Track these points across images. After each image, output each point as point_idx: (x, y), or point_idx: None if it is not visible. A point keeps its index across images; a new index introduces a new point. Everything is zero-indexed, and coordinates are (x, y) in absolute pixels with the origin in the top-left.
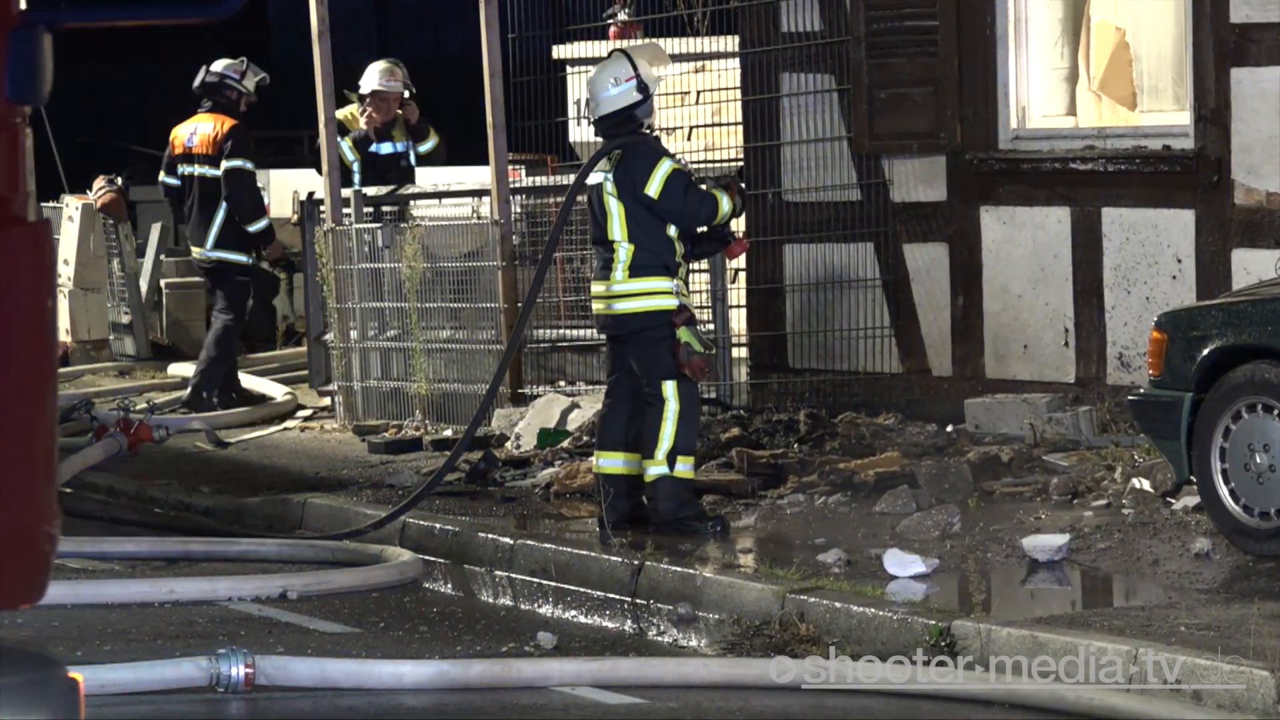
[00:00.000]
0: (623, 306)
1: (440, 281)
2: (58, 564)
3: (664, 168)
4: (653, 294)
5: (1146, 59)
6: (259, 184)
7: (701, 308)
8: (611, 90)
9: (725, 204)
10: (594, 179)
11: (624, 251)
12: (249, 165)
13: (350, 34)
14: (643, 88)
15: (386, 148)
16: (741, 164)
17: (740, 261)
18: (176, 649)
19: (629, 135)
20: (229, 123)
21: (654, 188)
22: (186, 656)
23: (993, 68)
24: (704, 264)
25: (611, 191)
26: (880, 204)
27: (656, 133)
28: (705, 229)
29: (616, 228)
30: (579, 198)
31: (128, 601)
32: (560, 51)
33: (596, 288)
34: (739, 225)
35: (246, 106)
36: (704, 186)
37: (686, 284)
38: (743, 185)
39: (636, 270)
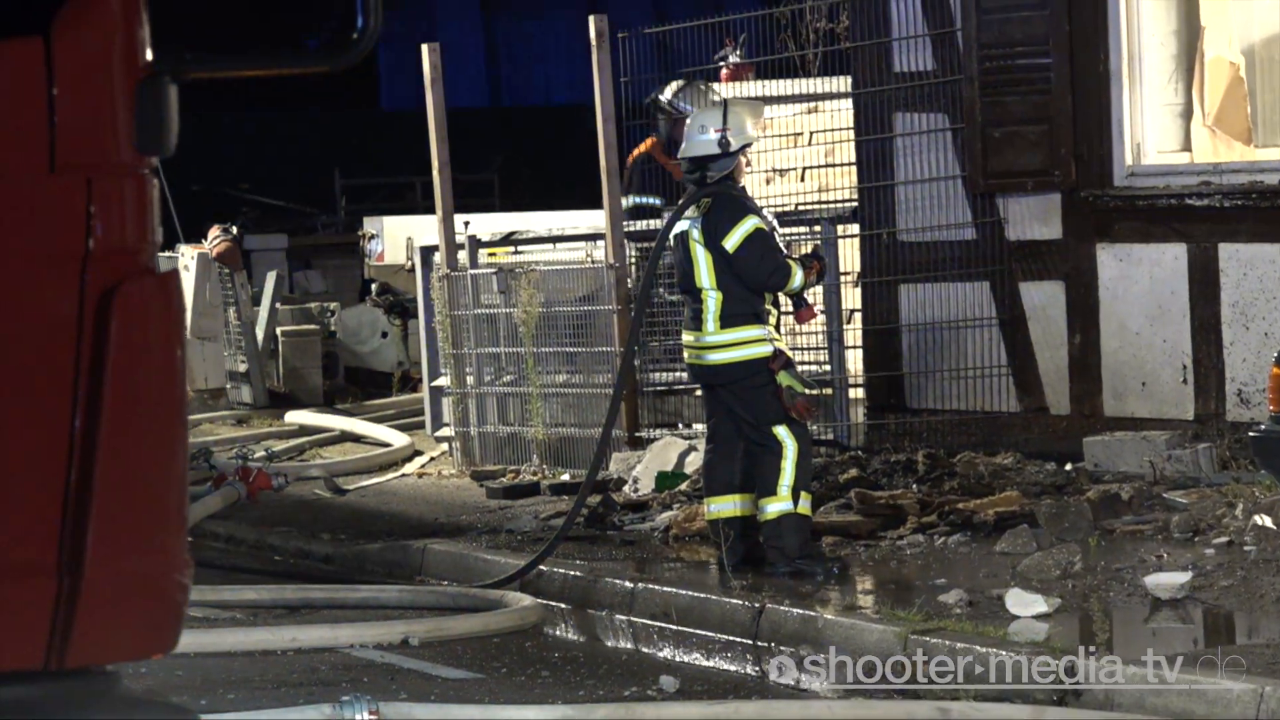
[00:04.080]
0: (717, 357)
1: (556, 326)
2: None
3: (747, 224)
4: (747, 343)
5: (1261, 94)
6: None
7: (818, 349)
8: (698, 136)
9: (797, 280)
10: (680, 227)
11: (713, 300)
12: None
13: (460, 81)
14: (724, 143)
15: None
16: (856, 205)
17: (856, 301)
18: (300, 696)
19: (711, 185)
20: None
21: (732, 241)
22: (310, 703)
23: (1106, 105)
24: (822, 305)
25: (698, 239)
26: (995, 242)
27: (748, 177)
28: None
29: (705, 275)
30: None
31: (250, 649)
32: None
33: (687, 338)
34: (817, 293)
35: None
36: (786, 255)
37: (778, 328)
38: (824, 260)
39: (727, 320)
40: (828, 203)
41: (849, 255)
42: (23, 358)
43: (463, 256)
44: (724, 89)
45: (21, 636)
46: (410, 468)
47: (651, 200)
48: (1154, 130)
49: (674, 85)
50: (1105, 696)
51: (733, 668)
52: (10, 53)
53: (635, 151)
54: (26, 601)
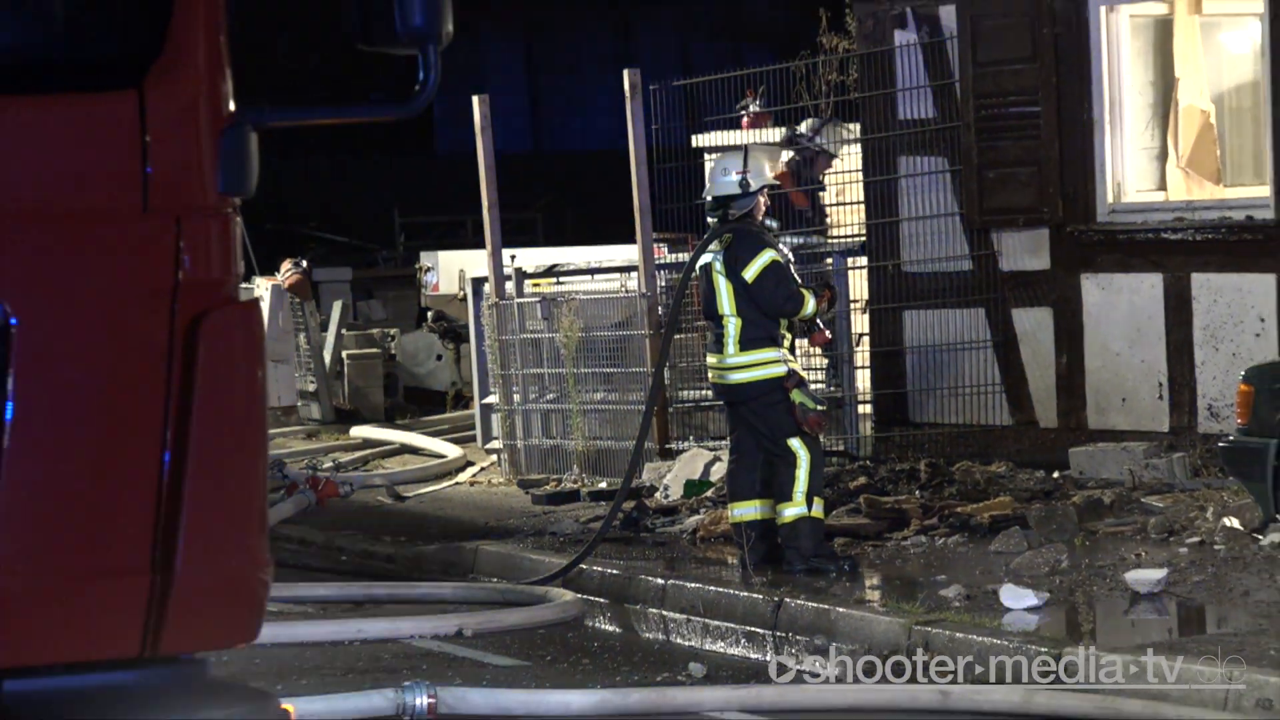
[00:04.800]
0: (737, 377)
1: (594, 349)
2: None
3: (764, 257)
4: (763, 364)
5: (1230, 138)
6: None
7: (830, 369)
8: (721, 178)
9: (810, 307)
10: (704, 259)
11: (733, 326)
12: None
13: (506, 128)
14: (744, 184)
15: None
16: (864, 239)
17: (864, 326)
18: (366, 682)
19: (733, 221)
20: None
21: (751, 272)
22: (375, 688)
23: (1090, 148)
24: (833, 330)
25: (720, 270)
26: (990, 273)
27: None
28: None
29: (726, 303)
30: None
31: (320, 640)
32: (698, 140)
33: (711, 359)
34: (831, 313)
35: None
36: (801, 285)
37: (792, 351)
38: (835, 289)
39: (746, 343)
40: (839, 238)
41: (858, 285)
42: (119, 379)
43: (510, 287)
44: (744, 135)
45: (119, 628)
46: (463, 477)
47: (770, 223)
48: (1133, 171)
49: (811, 121)
50: (1089, 681)
51: (754, 655)
52: (107, 105)
53: None
54: (124, 597)
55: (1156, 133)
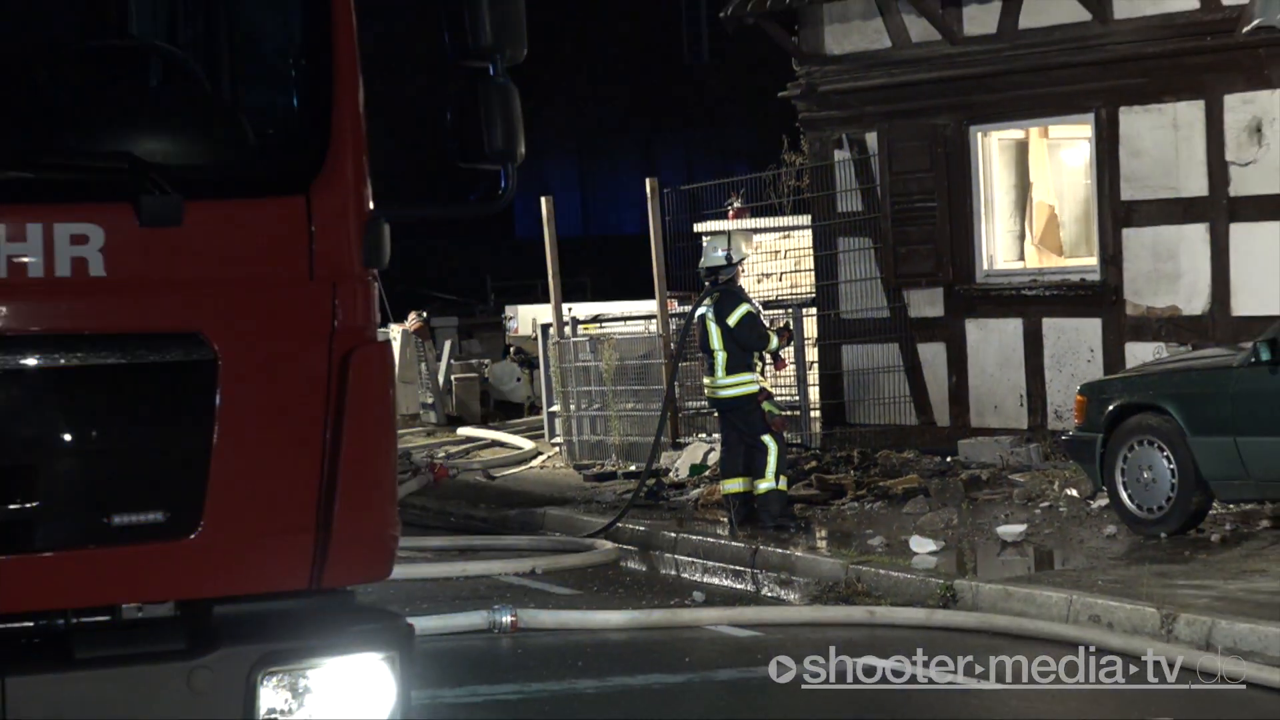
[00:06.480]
0: (725, 393)
1: (626, 373)
2: None
3: (742, 309)
4: (743, 384)
5: (1068, 224)
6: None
7: (790, 387)
8: (712, 253)
9: (774, 344)
10: (700, 311)
11: (721, 357)
12: None
13: (564, 216)
14: (728, 259)
15: None
16: (814, 295)
17: (815, 356)
18: (467, 606)
19: (721, 285)
20: None
21: (733, 320)
22: (475, 610)
23: (971, 231)
24: (792, 359)
25: (711, 318)
26: (902, 319)
27: (744, 279)
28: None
29: (716, 341)
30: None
31: (435, 577)
32: (698, 227)
33: (706, 380)
34: (788, 352)
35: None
36: (769, 325)
37: (763, 374)
38: (791, 331)
39: (731, 369)
40: (796, 294)
41: (810, 327)
42: (292, 397)
43: (567, 330)
44: (730, 224)
45: (294, 569)
46: (535, 463)
47: None
48: (1001, 247)
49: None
50: (972, 603)
51: (739, 586)
52: (285, 205)
53: None
54: (297, 548)
55: (1017, 219)
